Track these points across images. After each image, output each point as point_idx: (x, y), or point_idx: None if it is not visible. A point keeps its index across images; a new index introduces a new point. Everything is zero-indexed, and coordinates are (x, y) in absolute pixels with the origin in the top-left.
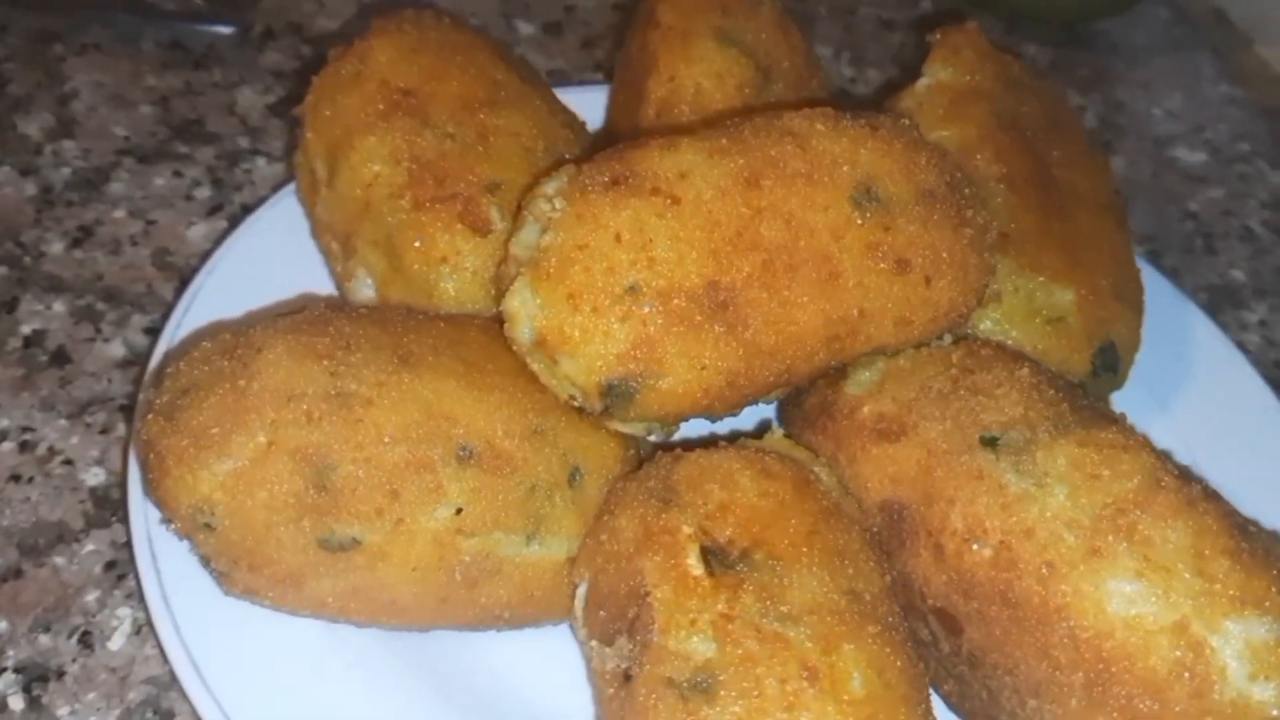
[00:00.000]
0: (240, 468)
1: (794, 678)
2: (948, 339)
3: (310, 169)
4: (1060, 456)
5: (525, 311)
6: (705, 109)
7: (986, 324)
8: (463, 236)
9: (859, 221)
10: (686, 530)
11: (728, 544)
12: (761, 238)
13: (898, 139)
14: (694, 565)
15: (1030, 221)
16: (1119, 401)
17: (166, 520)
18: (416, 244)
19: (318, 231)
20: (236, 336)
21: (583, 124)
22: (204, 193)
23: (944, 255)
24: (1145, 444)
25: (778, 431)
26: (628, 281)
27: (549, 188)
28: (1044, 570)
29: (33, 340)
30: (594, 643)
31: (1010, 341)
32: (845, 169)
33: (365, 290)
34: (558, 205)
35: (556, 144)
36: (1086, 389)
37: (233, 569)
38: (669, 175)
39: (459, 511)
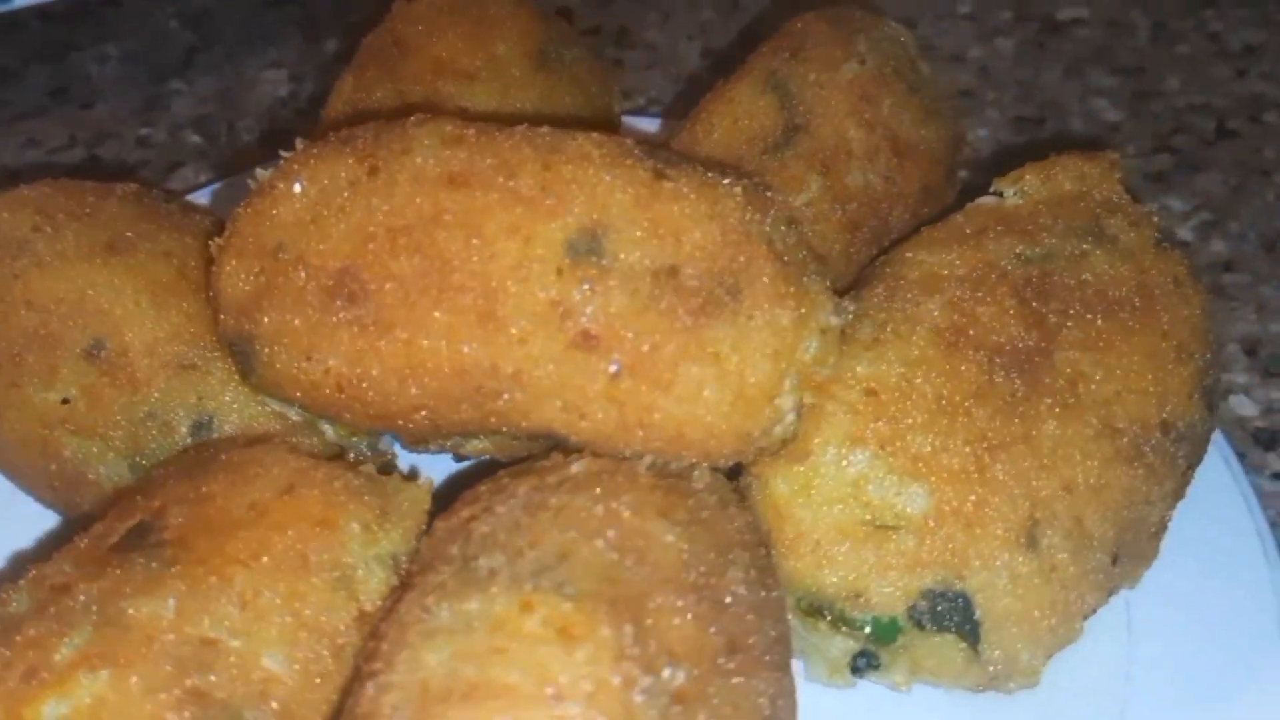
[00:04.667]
0: None
1: None
2: (647, 459)
3: None
4: None
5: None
6: (702, 147)
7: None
8: None
9: (560, 271)
10: None
11: None
12: (432, 242)
13: (705, 199)
14: None
15: (953, 389)
16: None
17: None
18: None
19: None
20: None
21: None
22: None
23: (638, 351)
24: None
25: None
26: (278, 239)
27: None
28: None
29: None
30: None
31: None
32: (582, 202)
33: None
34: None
35: None
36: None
37: None
38: (391, 145)
39: (64, 401)
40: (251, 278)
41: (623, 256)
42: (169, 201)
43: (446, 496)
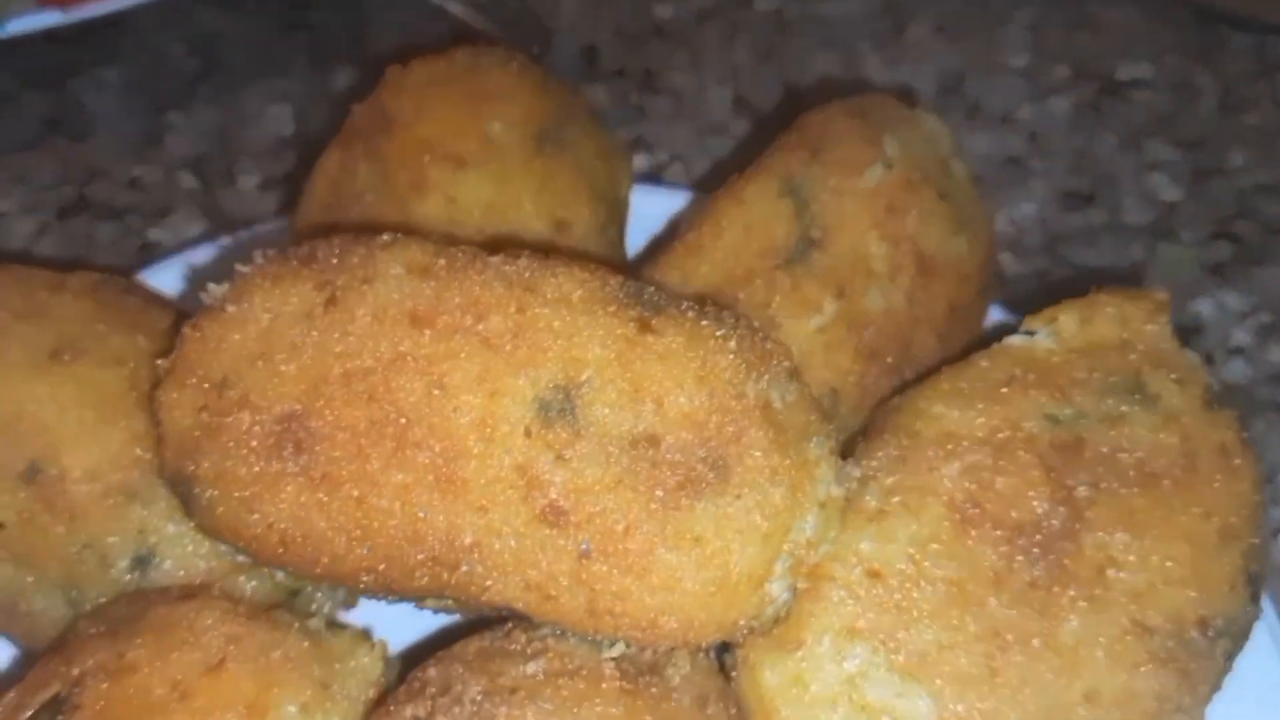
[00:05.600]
0: None
1: None
2: (616, 647)
3: None
4: None
5: None
6: (709, 254)
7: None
8: None
9: (529, 432)
10: None
11: None
12: (391, 391)
13: (693, 357)
14: None
15: (966, 575)
16: None
17: None
18: None
19: None
20: None
21: None
22: None
23: (612, 530)
24: None
25: None
26: (223, 371)
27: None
28: None
29: None
30: None
31: None
32: (556, 354)
33: None
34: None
35: None
36: None
37: None
38: (354, 272)
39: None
40: (194, 414)
41: (598, 420)
42: (129, 293)
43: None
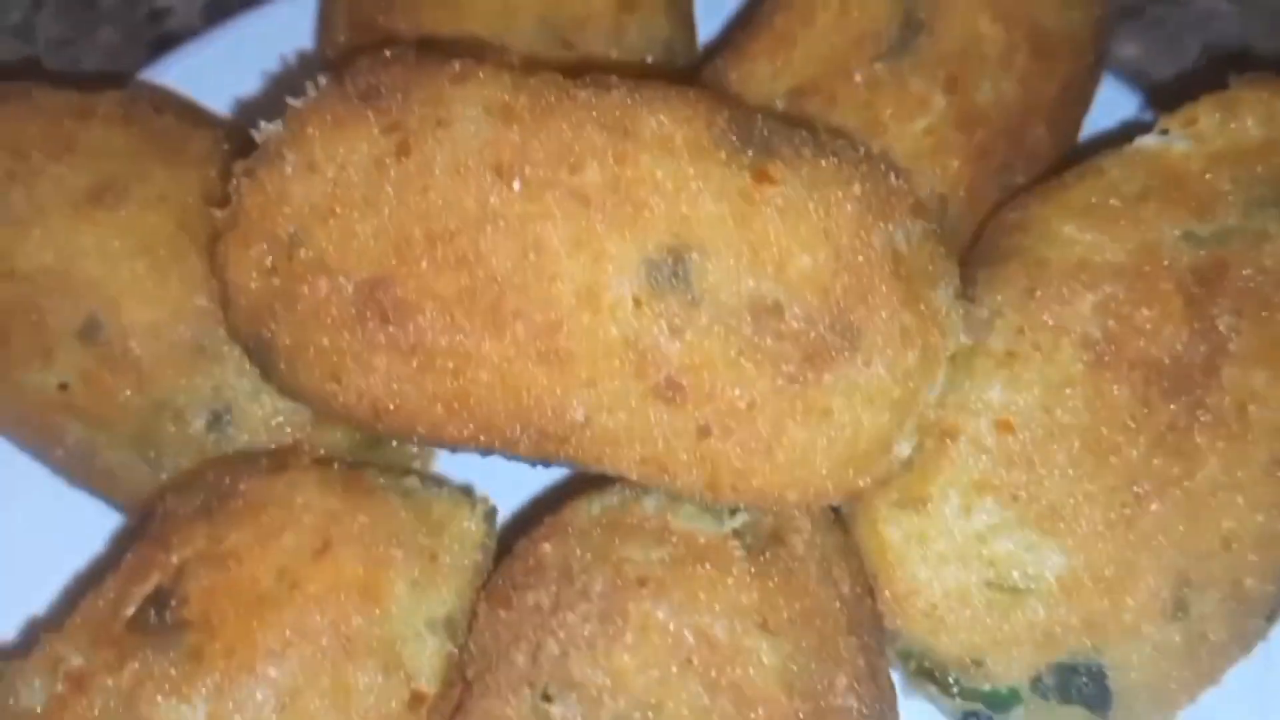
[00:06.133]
0: None
1: None
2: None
3: None
4: None
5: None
6: (802, 42)
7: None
8: None
9: (637, 298)
10: None
11: None
12: (481, 254)
13: (816, 208)
14: None
15: (1101, 421)
16: None
17: None
18: None
19: None
20: None
21: None
22: None
23: (734, 407)
24: None
25: None
26: (291, 229)
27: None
28: None
29: None
30: None
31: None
32: (661, 212)
33: None
34: (309, 91)
35: None
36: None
37: None
38: (426, 115)
39: (62, 387)
40: (264, 276)
41: (714, 287)
42: (161, 111)
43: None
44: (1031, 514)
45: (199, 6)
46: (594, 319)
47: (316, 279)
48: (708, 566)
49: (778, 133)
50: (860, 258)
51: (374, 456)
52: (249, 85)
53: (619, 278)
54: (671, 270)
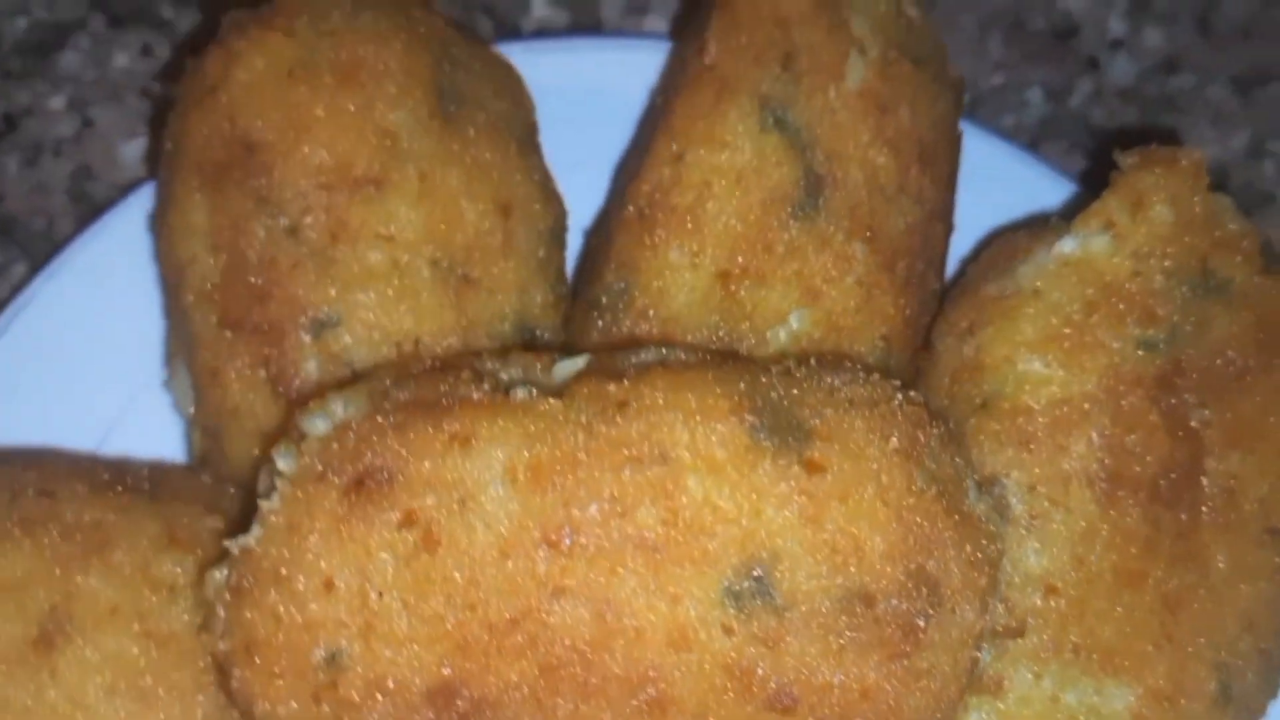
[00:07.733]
0: None
1: None
2: None
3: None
4: None
5: (214, 629)
6: (709, 223)
7: None
8: (259, 390)
9: (727, 626)
10: None
11: None
12: (552, 630)
13: (866, 478)
14: None
15: (1125, 553)
16: None
17: None
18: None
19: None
20: None
21: (558, 196)
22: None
23: (849, 699)
24: None
25: None
26: (324, 650)
27: (278, 454)
28: None
29: None
30: None
31: None
32: (729, 533)
33: (181, 395)
34: (278, 488)
35: (468, 246)
36: None
37: None
38: (443, 498)
39: None
40: (309, 704)
41: (799, 589)
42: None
43: None
44: (1094, 662)
45: None
46: (689, 658)
47: (374, 698)
48: None
49: (793, 398)
50: (919, 517)
51: None
52: None
53: (704, 612)
54: (754, 588)
